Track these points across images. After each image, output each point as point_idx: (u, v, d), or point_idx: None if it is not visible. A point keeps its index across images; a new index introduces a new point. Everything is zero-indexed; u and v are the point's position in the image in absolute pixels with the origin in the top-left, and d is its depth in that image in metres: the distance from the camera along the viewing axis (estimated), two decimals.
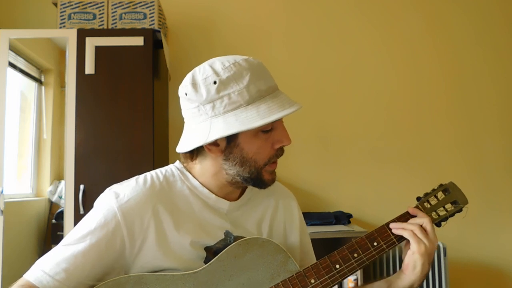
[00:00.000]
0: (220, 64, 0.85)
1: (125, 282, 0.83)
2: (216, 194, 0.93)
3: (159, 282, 0.84)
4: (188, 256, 0.88)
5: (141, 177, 0.91)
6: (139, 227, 0.85)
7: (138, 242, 0.85)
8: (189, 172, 0.94)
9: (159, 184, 0.90)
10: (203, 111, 0.85)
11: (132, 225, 0.84)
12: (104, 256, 0.83)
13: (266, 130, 0.87)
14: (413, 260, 0.89)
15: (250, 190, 0.99)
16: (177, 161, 0.97)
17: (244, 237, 0.93)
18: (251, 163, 0.87)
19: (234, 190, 0.95)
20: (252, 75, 0.84)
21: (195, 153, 0.92)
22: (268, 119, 0.82)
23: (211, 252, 0.90)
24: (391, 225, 0.94)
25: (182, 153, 0.92)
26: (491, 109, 2.74)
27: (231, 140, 0.86)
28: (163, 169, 0.95)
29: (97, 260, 0.83)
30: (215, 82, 0.83)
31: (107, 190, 0.89)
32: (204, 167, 0.92)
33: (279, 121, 0.89)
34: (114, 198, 0.85)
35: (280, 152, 0.90)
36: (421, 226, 0.91)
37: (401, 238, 0.93)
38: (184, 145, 0.90)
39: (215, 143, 0.87)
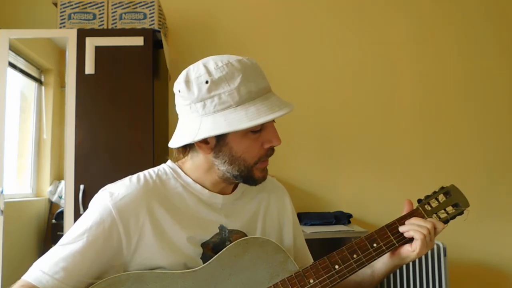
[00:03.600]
0: (213, 63, 0.86)
1: (125, 280, 0.83)
2: (209, 190, 0.94)
3: (159, 280, 0.84)
4: (185, 251, 0.89)
5: (134, 176, 0.93)
6: (135, 224, 0.86)
7: (135, 239, 0.86)
8: (181, 169, 0.96)
9: (153, 182, 0.91)
10: (194, 109, 0.87)
11: (128, 222, 0.85)
12: (102, 253, 0.84)
13: (256, 130, 0.88)
14: (408, 256, 0.94)
15: (243, 183, 1.00)
16: (169, 161, 0.99)
17: (238, 230, 0.94)
18: (240, 162, 0.89)
19: (227, 186, 0.96)
20: (243, 76, 0.85)
21: (188, 149, 0.93)
22: (255, 121, 0.83)
23: (208, 248, 0.91)
24: (402, 228, 0.95)
25: (175, 148, 0.94)
26: (492, 110, 2.74)
27: (220, 138, 0.88)
28: (155, 168, 0.97)
29: (95, 257, 0.83)
30: (207, 82, 0.85)
31: (100, 190, 0.91)
32: (196, 162, 0.94)
33: (269, 122, 0.89)
34: (108, 197, 0.87)
35: (270, 151, 0.91)
36: (431, 229, 0.93)
37: (401, 240, 0.94)
38: (175, 141, 0.92)
39: (205, 141, 0.89)
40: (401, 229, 0.94)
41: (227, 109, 0.84)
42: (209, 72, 0.85)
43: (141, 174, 0.93)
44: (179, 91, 0.89)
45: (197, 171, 0.94)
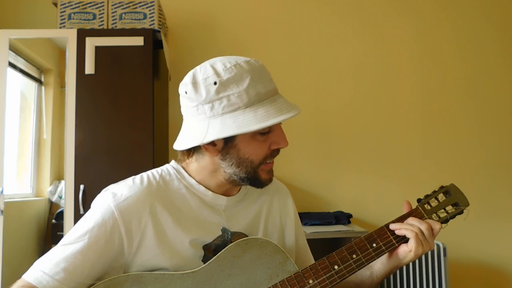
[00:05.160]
0: (221, 64, 0.85)
1: (123, 281, 0.83)
2: (213, 192, 0.94)
3: (158, 281, 0.84)
4: (186, 254, 0.88)
5: (137, 177, 0.92)
6: (137, 225, 0.86)
7: (136, 241, 0.85)
8: (185, 170, 0.95)
9: (156, 183, 0.91)
10: (201, 111, 0.86)
11: (130, 223, 0.85)
12: (103, 255, 0.84)
13: (264, 132, 0.87)
14: (406, 256, 0.93)
15: (246, 185, 1.00)
16: (173, 161, 0.98)
17: (241, 233, 0.94)
18: (248, 163, 0.88)
19: (232, 187, 0.96)
20: (252, 78, 0.84)
21: (192, 151, 0.93)
22: (265, 123, 0.83)
23: (210, 250, 0.91)
24: (393, 226, 0.94)
25: (180, 150, 0.93)
26: (492, 110, 2.73)
27: (228, 140, 0.87)
28: (159, 169, 0.96)
29: (97, 258, 0.83)
30: (215, 83, 0.83)
31: (103, 190, 0.90)
32: (201, 164, 0.93)
33: (277, 124, 0.89)
34: (111, 197, 0.86)
35: (275, 152, 0.91)
36: (425, 229, 0.92)
37: (400, 240, 0.94)
38: (181, 143, 0.90)
39: (212, 143, 0.88)
40: (392, 226, 0.94)
41: (235, 111, 0.84)
42: (217, 73, 0.84)
43: (144, 174, 0.93)
44: (186, 93, 0.87)
45: (202, 172, 0.93)
